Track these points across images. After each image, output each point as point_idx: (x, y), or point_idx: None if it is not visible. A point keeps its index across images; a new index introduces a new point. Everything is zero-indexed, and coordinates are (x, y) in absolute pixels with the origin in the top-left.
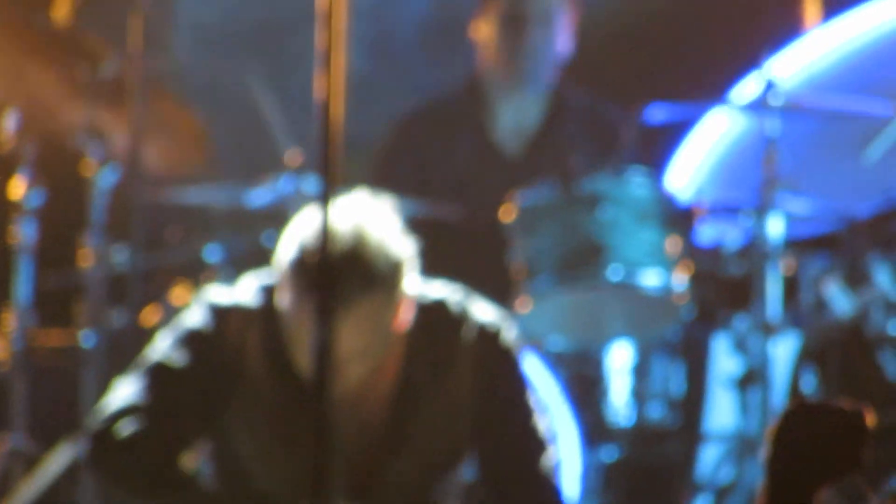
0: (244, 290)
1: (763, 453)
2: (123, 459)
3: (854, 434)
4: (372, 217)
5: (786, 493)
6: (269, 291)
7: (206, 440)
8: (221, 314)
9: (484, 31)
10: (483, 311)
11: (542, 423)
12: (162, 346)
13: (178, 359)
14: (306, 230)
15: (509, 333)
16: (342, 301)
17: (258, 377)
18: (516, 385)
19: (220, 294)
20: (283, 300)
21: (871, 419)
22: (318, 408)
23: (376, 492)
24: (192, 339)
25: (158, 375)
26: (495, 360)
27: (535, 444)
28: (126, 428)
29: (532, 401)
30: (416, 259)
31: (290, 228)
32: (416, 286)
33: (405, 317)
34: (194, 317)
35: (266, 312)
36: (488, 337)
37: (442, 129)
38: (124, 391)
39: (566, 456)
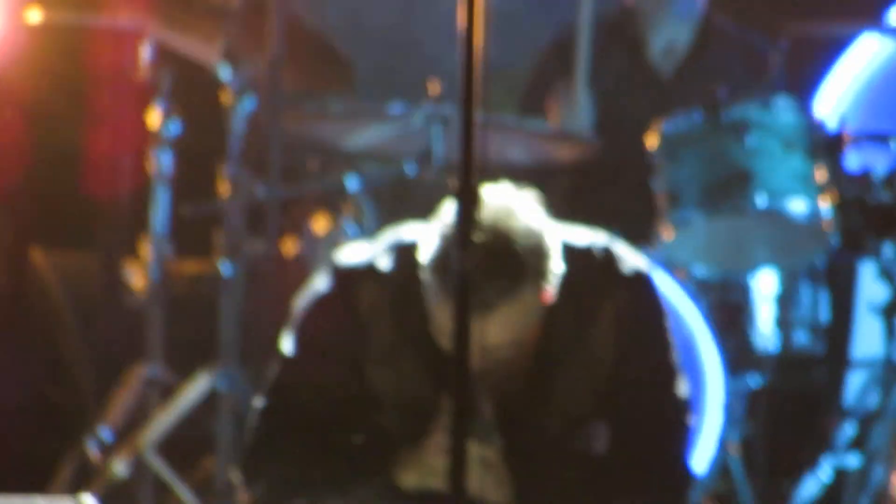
0: (378, 251)
1: None
2: (278, 469)
3: None
4: (518, 211)
5: None
6: (405, 252)
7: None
8: (351, 278)
9: None
10: (629, 260)
11: (679, 389)
12: (294, 319)
13: (309, 327)
14: (450, 223)
15: (655, 287)
16: (487, 303)
17: (392, 345)
18: (659, 345)
19: (352, 255)
20: (427, 285)
21: None
22: (457, 385)
23: (520, 443)
24: (318, 305)
25: (299, 350)
26: (639, 317)
27: (668, 415)
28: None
29: (672, 363)
30: (559, 249)
31: (437, 217)
32: (561, 232)
33: (550, 296)
34: (323, 282)
35: (401, 277)
36: (634, 290)
37: (595, 47)
38: (267, 389)
39: (711, 384)
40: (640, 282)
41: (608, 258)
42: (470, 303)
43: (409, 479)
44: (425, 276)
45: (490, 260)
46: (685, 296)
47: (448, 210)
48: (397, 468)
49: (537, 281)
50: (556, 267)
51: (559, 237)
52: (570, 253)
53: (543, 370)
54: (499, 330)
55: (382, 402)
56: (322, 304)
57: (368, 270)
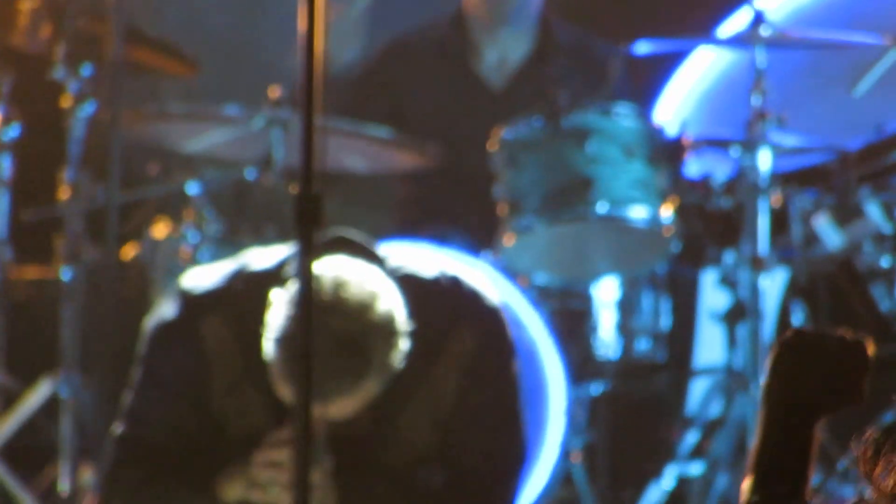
0: (225, 277)
1: (761, 382)
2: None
3: (855, 364)
4: (361, 290)
5: (785, 423)
6: (251, 281)
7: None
8: (198, 307)
9: None
10: (477, 294)
11: (516, 435)
12: (143, 345)
13: (156, 356)
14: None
15: (503, 324)
16: (330, 394)
17: (236, 377)
18: (501, 387)
19: (199, 280)
20: (269, 360)
21: (871, 349)
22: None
23: (354, 470)
24: (165, 333)
25: (144, 375)
26: (484, 358)
27: (502, 461)
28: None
29: (513, 407)
30: (405, 321)
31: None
32: (406, 258)
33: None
34: (169, 309)
35: (247, 307)
36: (480, 329)
37: (422, 59)
38: (126, 410)
39: (553, 391)
40: (487, 320)
41: (455, 292)
42: (312, 384)
43: (234, 492)
44: (268, 351)
45: (335, 353)
46: (527, 303)
47: (293, 281)
48: (224, 483)
49: (382, 373)
50: (403, 345)
51: (405, 273)
52: (416, 287)
53: (386, 404)
54: (340, 410)
55: (225, 429)
56: (168, 332)
57: (215, 300)
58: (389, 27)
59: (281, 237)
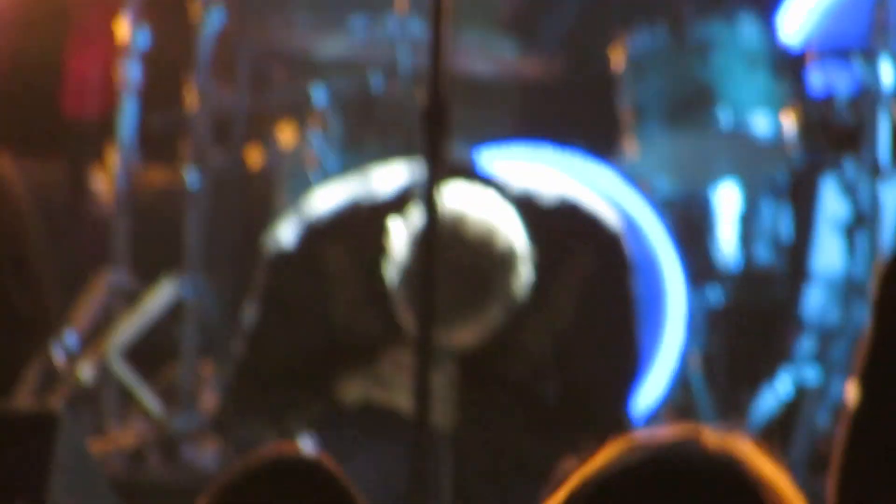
0: (346, 203)
1: (871, 296)
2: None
3: None
4: (480, 222)
5: (892, 337)
6: (370, 211)
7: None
8: (317, 237)
9: None
10: (597, 217)
11: (632, 354)
12: (262, 270)
13: (276, 282)
14: (418, 230)
15: (622, 246)
16: (453, 321)
17: (357, 302)
18: (619, 308)
19: (319, 205)
20: (393, 294)
21: None
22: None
23: (477, 378)
24: (285, 260)
25: (264, 301)
26: (603, 280)
27: (618, 377)
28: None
29: (630, 327)
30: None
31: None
32: (525, 180)
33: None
34: (289, 236)
35: (367, 236)
36: (600, 251)
37: None
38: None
39: (672, 298)
40: (607, 244)
41: (575, 217)
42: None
43: (355, 391)
44: (391, 286)
45: (457, 285)
46: (648, 210)
47: (416, 214)
48: (345, 383)
49: (504, 302)
50: (524, 274)
51: (521, 200)
52: (536, 212)
53: (508, 322)
54: (463, 339)
55: (345, 349)
56: (288, 261)
57: (336, 227)
58: None
59: (406, 146)
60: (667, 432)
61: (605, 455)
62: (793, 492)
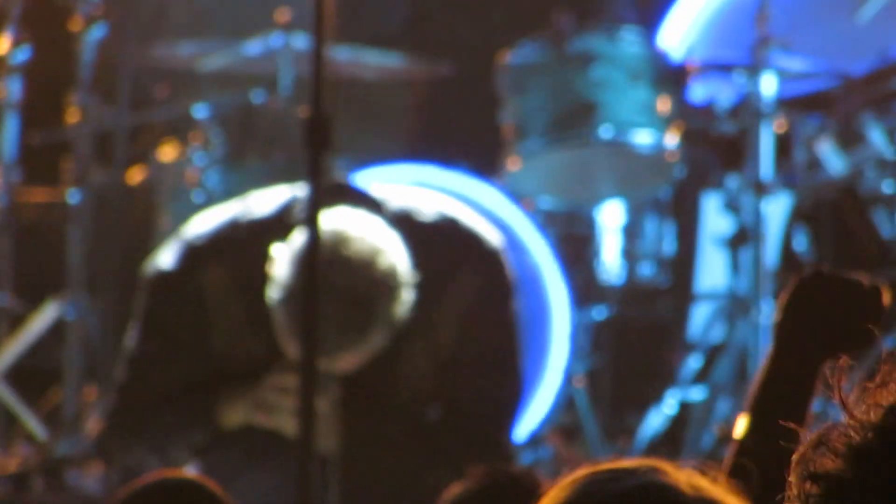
0: (226, 223)
1: (767, 312)
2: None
3: (870, 310)
4: (365, 245)
5: (792, 361)
6: (253, 229)
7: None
8: (198, 257)
9: None
10: (476, 235)
11: (514, 373)
12: (142, 294)
13: (155, 306)
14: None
15: (502, 266)
16: (335, 348)
17: (238, 323)
18: (500, 329)
19: (199, 228)
20: (275, 316)
21: (888, 297)
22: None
23: (358, 401)
24: (164, 283)
25: (144, 325)
26: (483, 301)
27: (500, 397)
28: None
29: (512, 347)
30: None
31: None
32: (405, 200)
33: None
34: (169, 258)
35: (249, 255)
36: (478, 272)
37: None
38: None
39: (557, 316)
40: (487, 263)
41: (455, 236)
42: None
43: (236, 416)
44: (273, 308)
45: (338, 309)
46: (531, 227)
47: (298, 235)
48: (226, 408)
49: (386, 326)
50: (406, 297)
51: (402, 218)
52: (416, 232)
53: (390, 346)
54: (345, 364)
55: (226, 372)
56: (168, 282)
57: (216, 249)
58: None
59: (288, 161)
60: (628, 465)
61: (566, 487)
62: None
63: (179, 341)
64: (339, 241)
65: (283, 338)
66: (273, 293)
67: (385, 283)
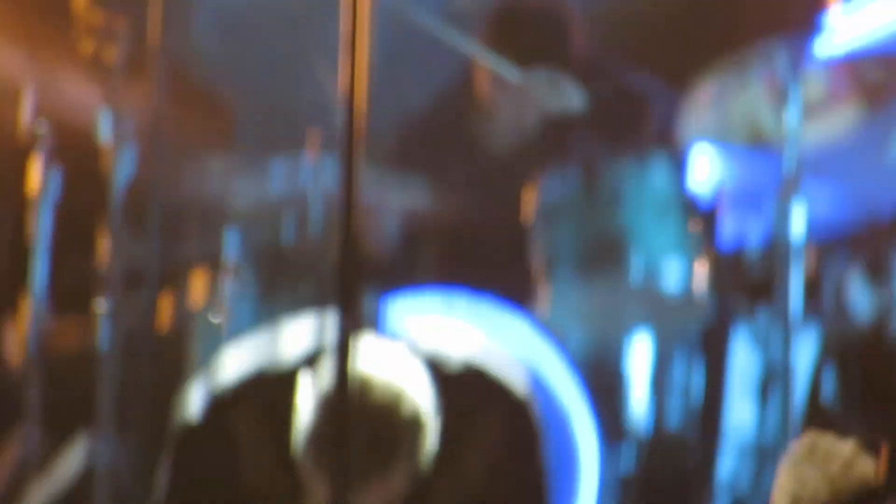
0: (251, 368)
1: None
2: None
3: (864, 471)
4: (388, 386)
5: None
6: (275, 376)
7: None
8: (223, 407)
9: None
10: (503, 382)
11: None
12: (170, 446)
13: (183, 458)
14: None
15: (528, 412)
16: (357, 481)
17: (266, 463)
18: (529, 473)
19: (225, 373)
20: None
21: (884, 456)
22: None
23: None
24: (191, 435)
25: (173, 479)
26: (512, 448)
27: None
28: None
29: (540, 488)
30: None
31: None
32: (433, 340)
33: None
34: (195, 409)
35: (274, 400)
36: (507, 420)
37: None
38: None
39: (585, 461)
40: (515, 410)
41: (483, 381)
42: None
43: None
44: (300, 452)
45: (362, 453)
46: (561, 363)
47: (326, 373)
48: None
49: (409, 469)
50: (429, 440)
51: (431, 361)
52: (444, 373)
53: (416, 485)
54: (370, 501)
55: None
56: (194, 435)
57: (241, 396)
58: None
59: (317, 298)
60: None
61: None
62: None
63: (207, 488)
64: (364, 384)
65: (310, 480)
66: (298, 437)
67: (408, 428)
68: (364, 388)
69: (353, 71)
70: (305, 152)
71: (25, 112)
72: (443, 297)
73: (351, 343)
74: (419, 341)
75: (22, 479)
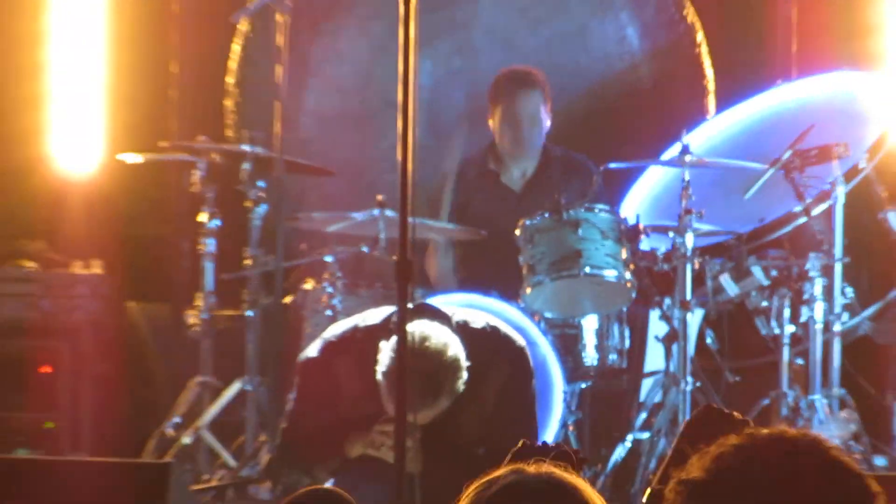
0: (352, 327)
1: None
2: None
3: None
4: (436, 340)
5: (680, 458)
6: (369, 329)
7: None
8: (331, 350)
9: (492, 124)
10: (508, 338)
11: (533, 426)
12: (296, 372)
13: (304, 381)
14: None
15: (526, 357)
16: (416, 410)
17: (359, 393)
18: (525, 400)
19: (335, 329)
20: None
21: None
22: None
23: (433, 441)
24: (311, 366)
25: (297, 393)
26: (515, 383)
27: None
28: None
29: (531, 409)
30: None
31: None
32: (463, 314)
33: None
34: (314, 349)
35: (367, 347)
36: (512, 363)
37: (471, 176)
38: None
39: (556, 387)
40: (516, 356)
41: (495, 337)
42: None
43: (357, 450)
44: (379, 381)
45: (420, 383)
46: (540, 331)
47: (394, 335)
48: (350, 444)
49: (450, 395)
50: (463, 376)
51: (461, 326)
52: (471, 334)
53: (452, 408)
54: (423, 418)
55: (349, 424)
56: (312, 366)
57: (343, 344)
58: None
59: (386, 290)
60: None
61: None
62: None
63: (320, 404)
64: (421, 339)
65: (385, 401)
66: (379, 372)
67: (451, 367)
68: (420, 341)
69: (405, 152)
70: (375, 203)
71: (197, 177)
72: (465, 294)
73: (407, 317)
74: (454, 314)
75: (201, 403)
